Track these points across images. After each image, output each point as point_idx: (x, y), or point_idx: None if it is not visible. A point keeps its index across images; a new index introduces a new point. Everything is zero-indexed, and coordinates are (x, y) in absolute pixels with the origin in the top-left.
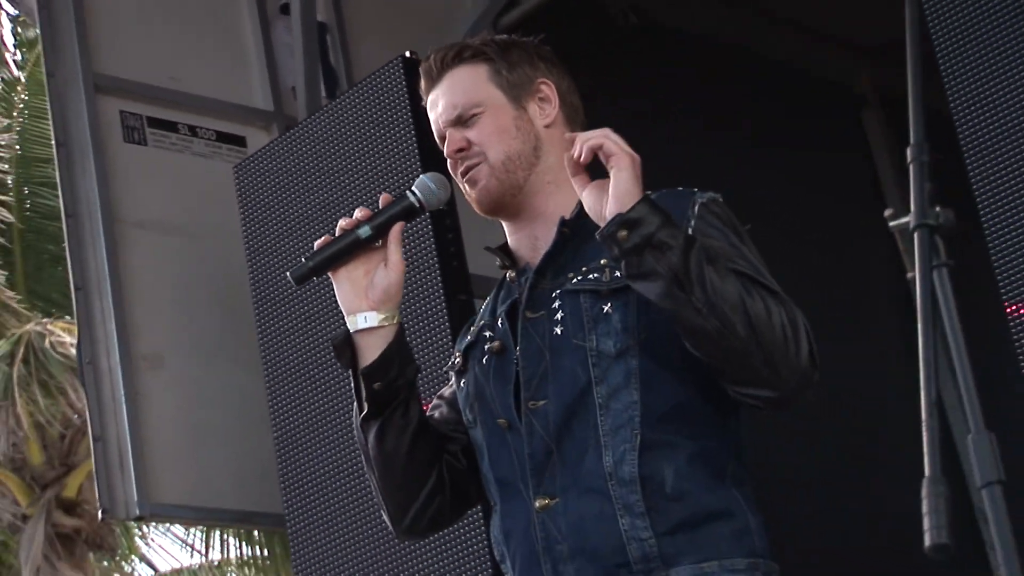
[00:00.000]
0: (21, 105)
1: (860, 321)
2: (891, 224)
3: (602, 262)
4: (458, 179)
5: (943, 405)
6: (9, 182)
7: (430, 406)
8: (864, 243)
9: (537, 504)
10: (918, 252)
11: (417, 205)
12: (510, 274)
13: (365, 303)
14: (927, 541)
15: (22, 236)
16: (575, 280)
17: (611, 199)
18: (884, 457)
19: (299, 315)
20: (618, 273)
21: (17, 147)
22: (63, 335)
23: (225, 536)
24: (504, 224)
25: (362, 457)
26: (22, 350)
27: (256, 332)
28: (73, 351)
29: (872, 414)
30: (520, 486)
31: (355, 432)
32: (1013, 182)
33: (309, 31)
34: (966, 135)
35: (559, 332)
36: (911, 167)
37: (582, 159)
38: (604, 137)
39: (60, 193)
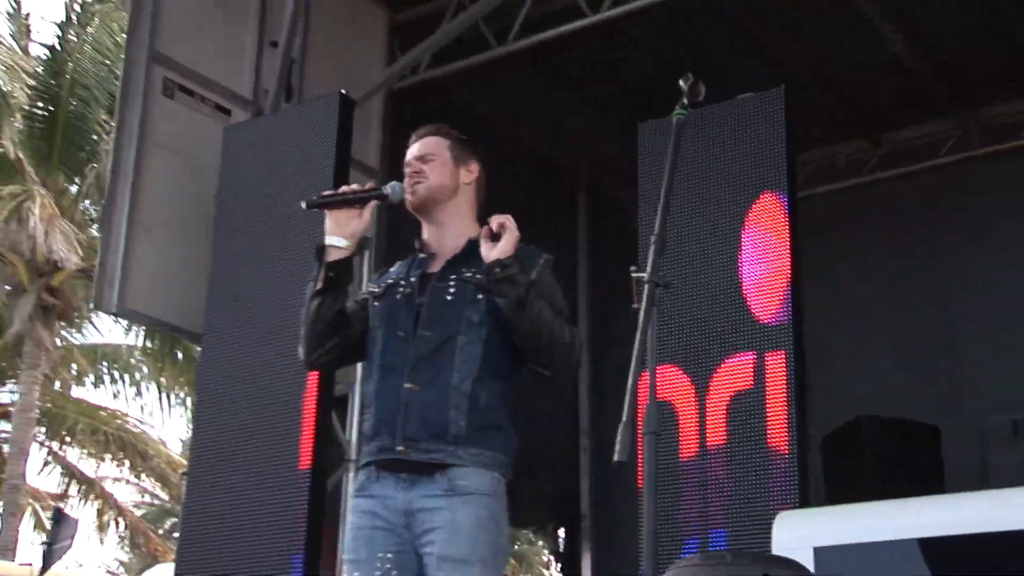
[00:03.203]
0: (86, 47)
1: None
2: (633, 275)
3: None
4: (407, 187)
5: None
6: (63, 91)
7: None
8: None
9: (407, 385)
10: (646, 295)
11: (387, 195)
12: (421, 254)
13: (341, 233)
14: (615, 457)
15: (64, 128)
16: (467, 275)
17: (497, 251)
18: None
19: (241, 219)
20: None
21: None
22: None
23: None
24: (423, 223)
25: (302, 313)
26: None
27: (214, 224)
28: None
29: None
30: (400, 372)
31: (305, 298)
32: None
33: (285, 59)
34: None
35: (449, 299)
36: (652, 247)
37: (494, 228)
38: (508, 220)
39: (117, 113)
